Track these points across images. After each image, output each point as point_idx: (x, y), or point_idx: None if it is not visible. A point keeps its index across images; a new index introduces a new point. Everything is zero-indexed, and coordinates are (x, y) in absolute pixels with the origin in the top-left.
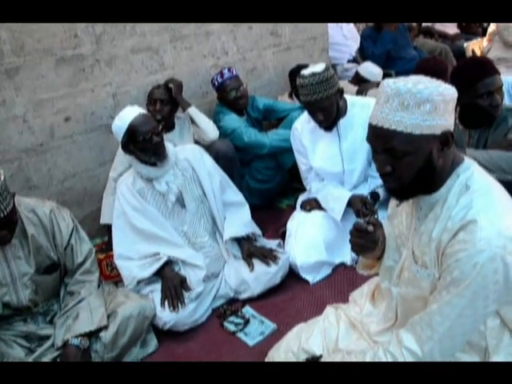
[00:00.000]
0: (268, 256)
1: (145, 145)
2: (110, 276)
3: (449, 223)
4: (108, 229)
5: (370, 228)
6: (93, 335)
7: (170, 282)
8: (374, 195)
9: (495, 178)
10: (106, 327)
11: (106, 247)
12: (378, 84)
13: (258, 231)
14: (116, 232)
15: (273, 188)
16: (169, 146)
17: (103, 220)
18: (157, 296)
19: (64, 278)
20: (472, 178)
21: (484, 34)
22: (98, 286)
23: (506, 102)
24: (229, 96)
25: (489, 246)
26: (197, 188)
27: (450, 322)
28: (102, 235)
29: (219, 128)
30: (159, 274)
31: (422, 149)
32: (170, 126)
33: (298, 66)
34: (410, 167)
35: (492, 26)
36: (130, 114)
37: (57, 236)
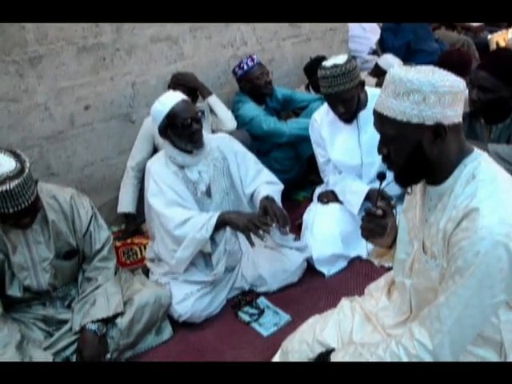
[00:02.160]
0: (281, 219)
1: (183, 131)
2: (127, 263)
3: (454, 212)
4: (126, 217)
5: (379, 212)
6: (109, 321)
7: (242, 218)
8: (381, 175)
9: None
10: (122, 314)
11: (123, 235)
12: None
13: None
14: (159, 209)
15: (291, 178)
16: (206, 134)
17: (120, 209)
18: (174, 287)
19: (82, 264)
20: (479, 167)
21: (509, 25)
22: (115, 273)
23: None
24: (258, 80)
25: (490, 233)
26: (225, 179)
27: (458, 312)
28: (119, 223)
29: (237, 117)
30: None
31: (409, 136)
32: None
33: (314, 58)
34: (399, 152)
35: None
36: (172, 98)
37: (76, 222)
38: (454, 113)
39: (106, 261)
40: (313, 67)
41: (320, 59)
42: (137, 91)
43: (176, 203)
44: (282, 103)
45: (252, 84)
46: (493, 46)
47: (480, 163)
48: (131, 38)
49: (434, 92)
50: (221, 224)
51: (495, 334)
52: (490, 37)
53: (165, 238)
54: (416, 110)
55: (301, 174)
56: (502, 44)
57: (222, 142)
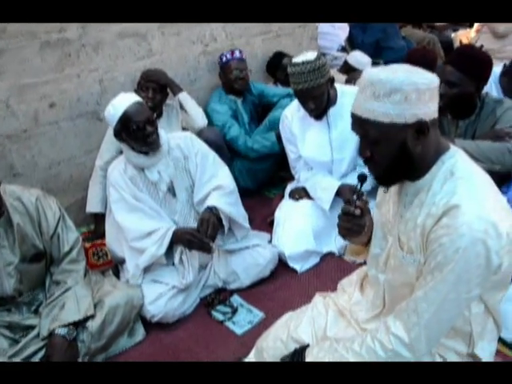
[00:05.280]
0: (209, 236)
1: (138, 134)
2: (97, 265)
3: (433, 209)
4: (94, 217)
5: (357, 211)
6: (79, 325)
7: (186, 235)
8: (362, 177)
9: (483, 168)
10: (92, 317)
11: (92, 236)
12: None
13: (245, 222)
14: (120, 217)
15: (266, 168)
16: (162, 134)
17: (89, 208)
18: (145, 287)
19: (50, 267)
20: (456, 164)
21: (471, 24)
22: (85, 276)
23: (494, 93)
24: (231, 74)
25: (470, 230)
26: (188, 178)
27: (435, 306)
28: (88, 224)
29: (208, 113)
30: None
31: (394, 137)
32: (158, 114)
33: (273, 55)
34: (384, 154)
35: None
36: (124, 101)
37: (43, 224)
38: (433, 108)
39: (74, 263)
40: (274, 64)
41: (279, 55)
42: (104, 88)
43: (137, 209)
44: (257, 97)
45: (226, 76)
46: (457, 44)
47: (457, 160)
48: (98, 33)
49: (414, 90)
50: (174, 241)
51: (465, 326)
52: (453, 35)
53: (123, 246)
54: (398, 110)
55: (275, 166)
56: (465, 42)
57: (183, 141)
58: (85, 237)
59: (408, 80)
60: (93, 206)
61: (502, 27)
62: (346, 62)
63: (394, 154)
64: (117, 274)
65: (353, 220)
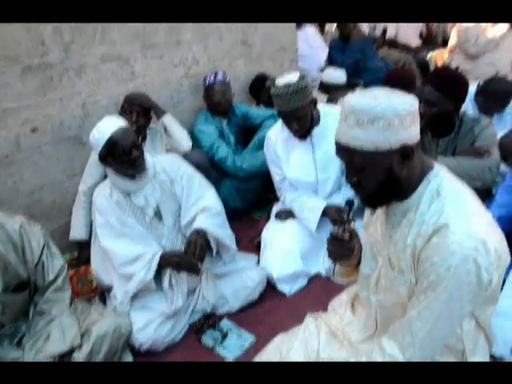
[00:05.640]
0: (197, 258)
1: (124, 158)
2: (82, 293)
3: (422, 229)
4: (78, 244)
5: (347, 236)
6: (66, 356)
7: (174, 258)
8: (350, 203)
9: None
10: (79, 347)
11: (76, 263)
12: (347, 88)
13: (233, 244)
14: (106, 242)
15: (255, 187)
16: (148, 158)
17: (73, 235)
18: (133, 314)
19: (34, 297)
20: (442, 183)
21: (444, 45)
22: (70, 305)
23: (470, 111)
24: (215, 97)
25: (461, 248)
26: (174, 201)
27: (430, 325)
28: (71, 250)
29: (193, 135)
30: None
31: (380, 163)
32: (142, 137)
33: (255, 78)
34: (371, 180)
35: (453, 39)
36: (109, 125)
37: (27, 252)
38: (415, 131)
39: (60, 291)
40: (256, 86)
41: (261, 78)
42: (87, 112)
43: (124, 235)
44: (241, 119)
45: (209, 99)
46: (432, 64)
47: (443, 179)
48: (80, 57)
49: (396, 116)
50: (162, 264)
51: (458, 344)
52: (429, 56)
53: (110, 272)
54: (382, 137)
55: (264, 185)
56: (440, 62)
57: (168, 164)
58: (68, 264)
59: (390, 106)
60: (76, 232)
61: (473, 49)
62: (321, 82)
63: (381, 179)
64: (103, 302)
65: (342, 244)
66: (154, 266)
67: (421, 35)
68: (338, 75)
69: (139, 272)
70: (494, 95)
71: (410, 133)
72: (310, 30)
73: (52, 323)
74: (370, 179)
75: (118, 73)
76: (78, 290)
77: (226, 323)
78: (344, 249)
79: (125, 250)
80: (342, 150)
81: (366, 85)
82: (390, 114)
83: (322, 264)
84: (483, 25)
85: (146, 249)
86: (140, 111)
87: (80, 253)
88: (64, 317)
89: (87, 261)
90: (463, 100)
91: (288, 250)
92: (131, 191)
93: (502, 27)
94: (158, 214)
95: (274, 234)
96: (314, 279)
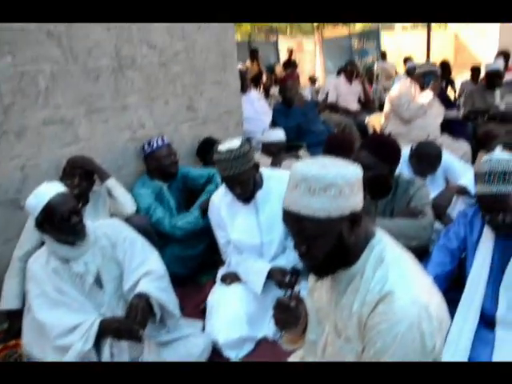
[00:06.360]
0: (137, 323)
1: (62, 225)
2: None
3: (368, 296)
4: (7, 315)
5: (292, 303)
6: None
7: (114, 323)
8: (294, 272)
9: (402, 245)
10: None
11: (5, 336)
12: (290, 151)
13: (176, 309)
14: (41, 314)
15: (199, 254)
16: (88, 223)
17: (4, 305)
18: None
19: None
20: (385, 250)
21: (381, 109)
22: None
23: (406, 172)
24: (164, 159)
25: (406, 315)
26: (116, 267)
27: None
28: (2, 322)
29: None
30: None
31: (331, 230)
32: (84, 201)
33: (203, 141)
34: (322, 248)
35: (387, 105)
36: (47, 191)
37: None
38: (361, 198)
39: None
40: (204, 149)
41: (208, 141)
42: (26, 175)
43: (60, 304)
44: (182, 181)
45: (159, 162)
46: (371, 128)
47: (385, 245)
48: (21, 120)
49: (347, 184)
50: (101, 332)
51: None
52: (367, 120)
53: (45, 346)
54: (335, 204)
55: (207, 251)
56: (377, 126)
57: (110, 228)
58: None
59: (340, 174)
60: (8, 302)
61: (406, 114)
62: (263, 144)
63: (331, 247)
64: None
65: (289, 312)
66: (93, 335)
67: (359, 100)
68: (276, 134)
69: (77, 342)
70: (427, 158)
71: (358, 199)
72: (254, 95)
73: None
74: (320, 247)
75: (60, 136)
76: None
77: None
78: (290, 316)
79: (61, 320)
80: (291, 218)
81: (309, 147)
82: (341, 182)
83: (269, 327)
84: (413, 92)
85: (84, 317)
86: (83, 174)
87: (10, 324)
88: None
89: (18, 334)
90: (397, 163)
91: (234, 314)
92: (70, 258)
93: (428, 95)
94: (98, 281)
95: (219, 298)
96: (262, 343)
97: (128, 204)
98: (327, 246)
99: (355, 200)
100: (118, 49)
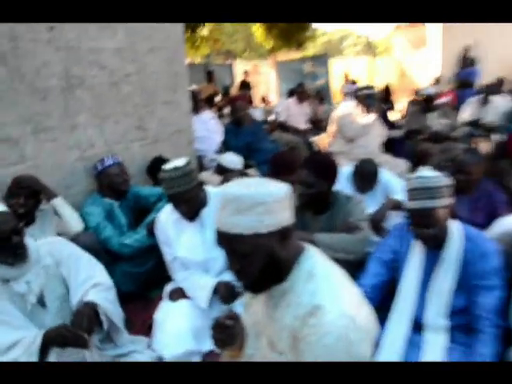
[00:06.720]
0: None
1: (2, 245)
2: None
3: (299, 310)
4: None
5: (228, 322)
6: None
7: (59, 330)
8: (236, 293)
9: (340, 258)
10: None
11: None
12: (240, 173)
13: (121, 323)
14: None
15: (147, 271)
16: (30, 242)
17: None
18: None
19: None
20: (316, 265)
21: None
22: None
23: (348, 190)
24: (116, 177)
25: (335, 327)
26: (60, 285)
27: None
28: None
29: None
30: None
31: (262, 247)
32: (30, 220)
33: (153, 160)
34: (254, 265)
35: (332, 125)
36: None
37: None
38: (290, 213)
39: None
40: (155, 167)
41: (158, 160)
42: None
43: (0, 322)
44: (134, 200)
45: (110, 180)
46: (316, 147)
47: (316, 260)
48: None
49: (274, 201)
50: (46, 343)
51: None
52: (313, 139)
53: None
54: (263, 221)
55: (157, 267)
56: (323, 145)
57: (53, 247)
58: None
59: (268, 193)
60: None
61: (350, 133)
62: (218, 164)
63: (264, 263)
64: None
65: (226, 331)
66: (37, 348)
67: (310, 120)
68: (236, 161)
69: (20, 358)
70: (367, 175)
71: (287, 214)
72: (207, 114)
73: None
74: (253, 264)
75: (5, 155)
76: None
77: None
78: (228, 335)
79: (1, 338)
80: (224, 239)
81: (259, 165)
82: (268, 199)
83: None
84: (355, 113)
85: (25, 333)
86: (28, 194)
87: None
88: None
89: None
90: (334, 180)
91: (179, 329)
92: (11, 278)
93: (371, 117)
94: (41, 301)
95: (165, 314)
96: (209, 356)
97: (74, 222)
98: (260, 263)
99: (284, 216)
100: (68, 69)
